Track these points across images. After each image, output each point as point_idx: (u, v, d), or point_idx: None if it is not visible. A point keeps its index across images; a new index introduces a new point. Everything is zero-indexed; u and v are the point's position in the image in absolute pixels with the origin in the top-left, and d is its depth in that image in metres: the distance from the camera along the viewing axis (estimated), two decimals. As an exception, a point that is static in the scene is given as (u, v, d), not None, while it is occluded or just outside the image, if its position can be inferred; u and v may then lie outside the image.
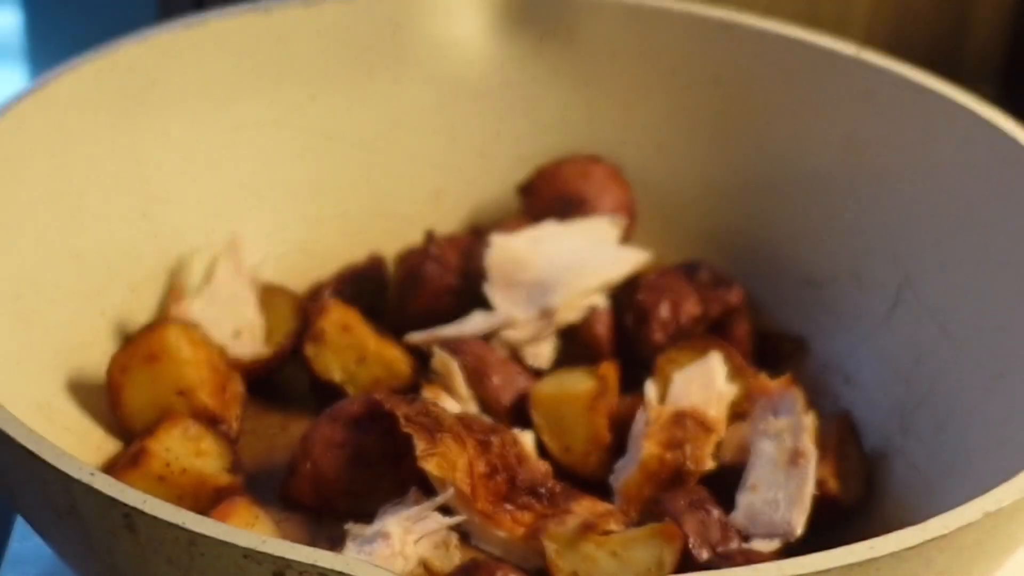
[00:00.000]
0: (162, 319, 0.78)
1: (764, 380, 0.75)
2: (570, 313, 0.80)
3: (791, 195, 0.86)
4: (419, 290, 0.82)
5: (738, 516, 0.71)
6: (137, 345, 0.74)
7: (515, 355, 0.80)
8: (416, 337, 0.80)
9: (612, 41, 0.88)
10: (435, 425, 0.70)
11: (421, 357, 0.79)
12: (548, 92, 0.89)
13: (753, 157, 0.87)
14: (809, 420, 0.73)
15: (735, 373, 0.77)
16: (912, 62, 0.83)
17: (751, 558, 0.68)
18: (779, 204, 0.86)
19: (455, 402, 0.76)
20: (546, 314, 0.80)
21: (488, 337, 0.79)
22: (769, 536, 0.70)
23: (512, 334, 0.79)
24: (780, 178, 0.86)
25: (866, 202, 0.83)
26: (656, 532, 0.67)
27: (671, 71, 0.88)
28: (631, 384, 0.78)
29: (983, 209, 0.78)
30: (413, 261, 0.82)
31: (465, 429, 0.71)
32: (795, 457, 0.72)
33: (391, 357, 0.79)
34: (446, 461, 0.69)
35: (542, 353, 0.80)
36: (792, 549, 0.57)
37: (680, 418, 0.74)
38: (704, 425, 0.74)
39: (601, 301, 0.81)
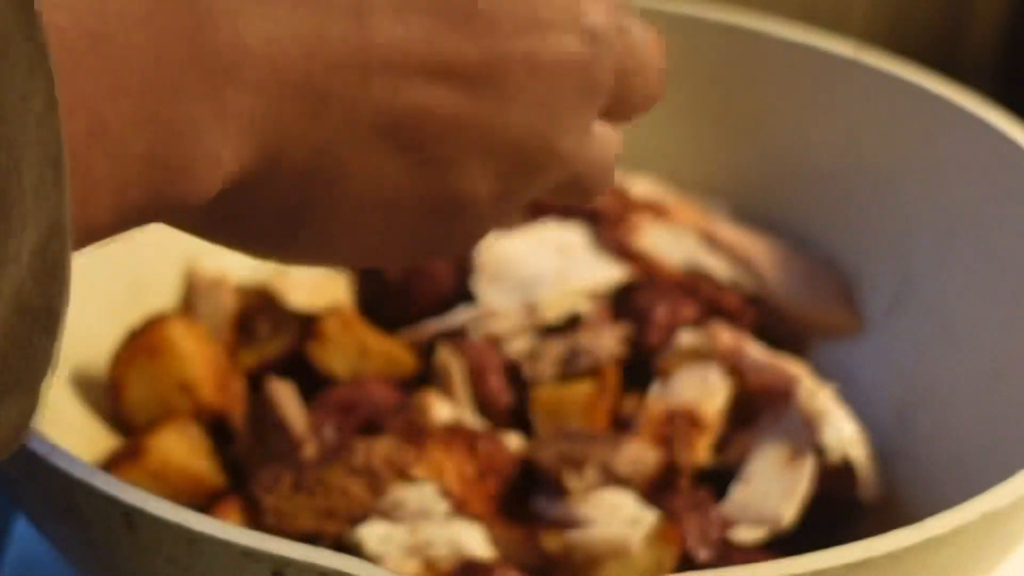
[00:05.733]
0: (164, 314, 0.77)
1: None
2: (552, 312, 0.80)
3: (790, 196, 0.86)
4: (413, 307, 0.82)
5: (728, 506, 0.71)
6: (139, 339, 0.74)
7: (497, 346, 0.79)
8: (407, 335, 0.80)
9: (612, 41, 0.88)
10: (420, 433, 0.70)
11: (422, 353, 0.79)
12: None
13: (752, 158, 0.87)
14: (812, 429, 0.73)
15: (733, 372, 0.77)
16: (911, 62, 0.83)
17: (751, 558, 0.68)
18: (778, 204, 0.86)
19: (450, 405, 0.75)
20: (528, 308, 0.79)
21: (468, 328, 0.79)
22: (757, 524, 0.70)
23: (493, 325, 0.79)
24: (779, 179, 0.86)
25: (865, 202, 0.83)
26: (655, 534, 0.67)
27: (671, 71, 0.87)
28: (631, 384, 0.78)
29: (983, 209, 0.78)
30: (403, 276, 0.82)
31: (451, 434, 0.71)
32: (795, 457, 0.73)
33: (392, 349, 0.79)
34: (432, 466, 0.69)
35: (522, 347, 0.80)
36: (791, 549, 0.57)
37: (671, 416, 0.74)
38: (694, 422, 0.74)
39: (586, 307, 0.80)
